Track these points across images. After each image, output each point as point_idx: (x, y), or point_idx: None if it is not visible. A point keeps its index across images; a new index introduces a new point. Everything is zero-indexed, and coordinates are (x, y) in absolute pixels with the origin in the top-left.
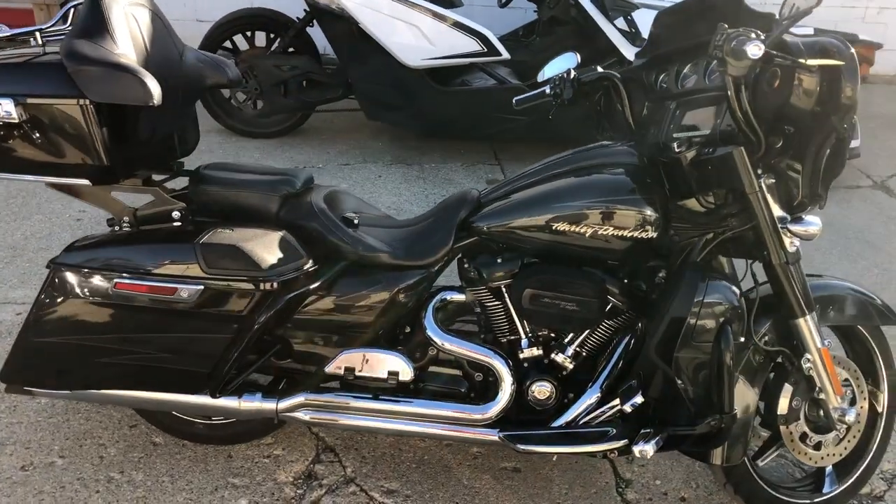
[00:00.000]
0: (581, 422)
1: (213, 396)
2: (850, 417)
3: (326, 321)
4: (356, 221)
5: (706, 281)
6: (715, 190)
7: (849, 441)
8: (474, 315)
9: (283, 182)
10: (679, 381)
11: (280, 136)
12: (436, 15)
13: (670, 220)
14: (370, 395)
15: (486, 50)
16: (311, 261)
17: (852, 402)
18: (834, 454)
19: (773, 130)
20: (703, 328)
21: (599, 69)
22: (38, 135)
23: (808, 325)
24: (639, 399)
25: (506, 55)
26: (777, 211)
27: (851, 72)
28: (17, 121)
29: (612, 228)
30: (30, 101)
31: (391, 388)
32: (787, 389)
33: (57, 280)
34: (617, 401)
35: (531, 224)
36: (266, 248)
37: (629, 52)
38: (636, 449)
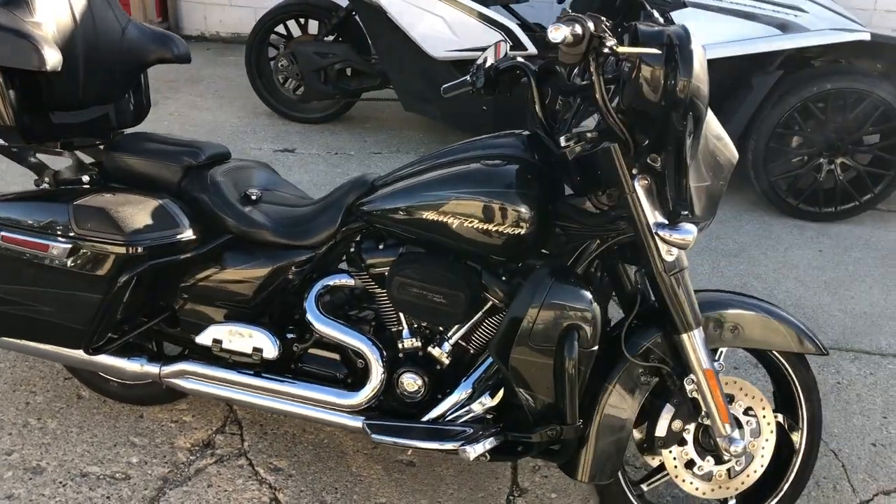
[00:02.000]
0: (448, 418)
1: (88, 353)
2: (738, 448)
3: (208, 292)
4: (254, 198)
5: (551, 281)
6: (601, 189)
7: (747, 476)
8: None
9: (188, 154)
10: (514, 384)
11: (324, 122)
12: (461, 6)
13: (552, 218)
14: (250, 372)
15: (511, 44)
16: (190, 231)
17: (757, 433)
18: (727, 488)
19: (642, 127)
20: (543, 331)
21: (519, 59)
22: None
23: (692, 343)
24: (487, 399)
25: (532, 50)
26: (655, 216)
27: (685, 63)
28: None
29: (477, 221)
30: None
31: (273, 367)
32: (669, 410)
33: None
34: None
35: (405, 211)
36: (138, 214)
37: None
38: (459, 449)
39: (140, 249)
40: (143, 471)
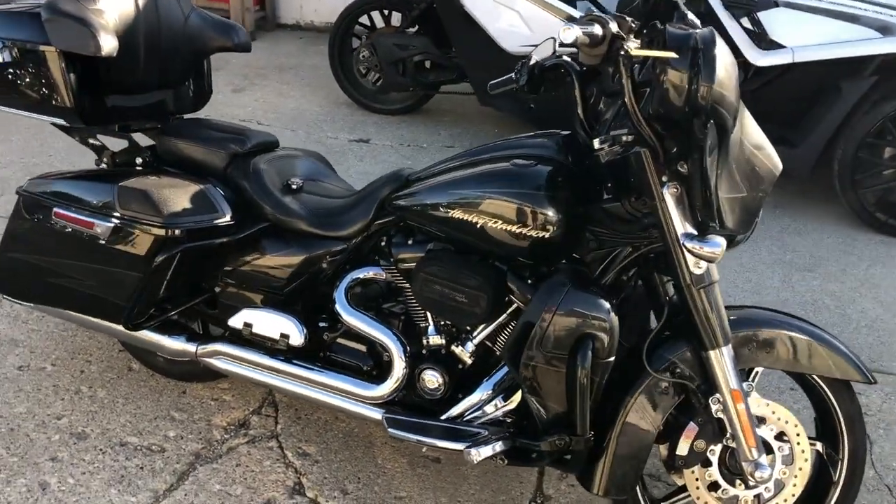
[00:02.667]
0: (467, 418)
1: (127, 328)
2: (763, 474)
3: (245, 277)
4: (294, 187)
5: (568, 286)
6: (634, 195)
7: None
8: None
9: (235, 141)
10: (525, 390)
11: (402, 114)
12: (538, 1)
13: (584, 222)
14: (280, 357)
15: None
16: (228, 216)
17: (789, 461)
18: None
19: (671, 133)
20: (556, 338)
21: (566, 57)
22: (26, 75)
23: (719, 361)
24: (501, 402)
25: None
26: (685, 227)
27: (707, 68)
28: (9, 61)
29: (503, 222)
30: (18, 45)
31: (303, 354)
32: (693, 428)
33: (22, 205)
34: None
35: (434, 208)
36: (179, 197)
37: (753, 54)
38: (465, 451)
39: (178, 232)
40: (178, 445)
